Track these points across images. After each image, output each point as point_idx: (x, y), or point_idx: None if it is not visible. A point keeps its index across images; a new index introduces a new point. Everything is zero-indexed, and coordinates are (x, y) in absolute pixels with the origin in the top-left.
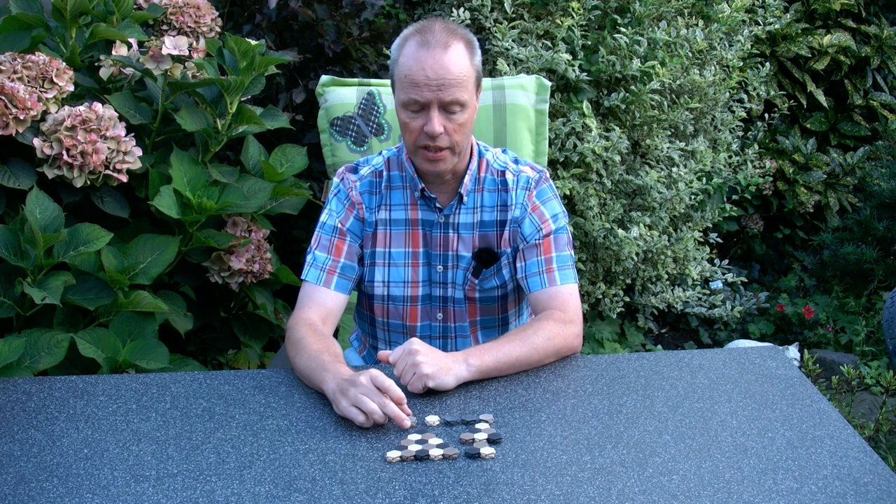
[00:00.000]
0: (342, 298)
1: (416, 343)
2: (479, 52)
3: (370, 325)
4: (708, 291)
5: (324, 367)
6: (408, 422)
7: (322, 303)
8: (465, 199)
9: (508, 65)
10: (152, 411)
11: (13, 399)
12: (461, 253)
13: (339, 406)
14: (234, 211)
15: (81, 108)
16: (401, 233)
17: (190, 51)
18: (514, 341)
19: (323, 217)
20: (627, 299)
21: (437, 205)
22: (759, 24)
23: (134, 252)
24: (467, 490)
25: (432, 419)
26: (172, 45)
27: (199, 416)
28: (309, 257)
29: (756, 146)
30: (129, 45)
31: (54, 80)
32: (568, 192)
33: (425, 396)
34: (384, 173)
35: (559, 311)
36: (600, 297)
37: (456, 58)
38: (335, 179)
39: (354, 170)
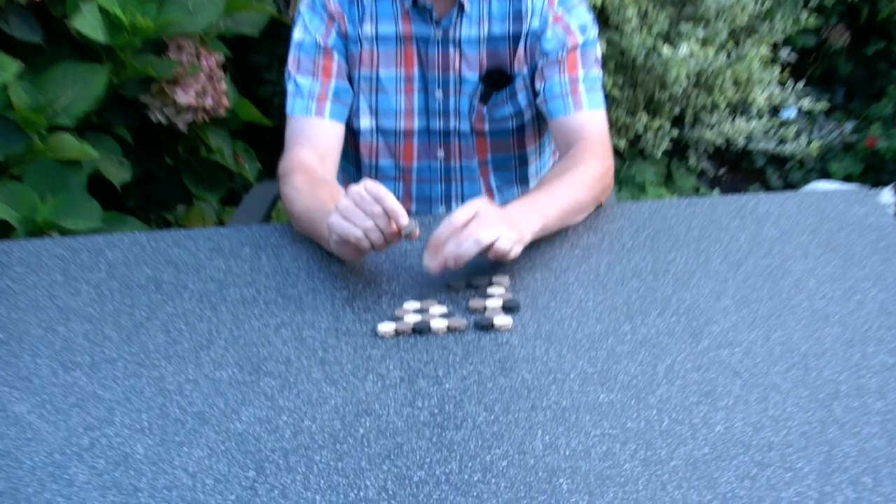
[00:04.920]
0: (339, 129)
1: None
2: None
3: (355, 169)
4: (778, 122)
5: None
6: (404, 219)
7: (317, 137)
8: (466, 7)
9: None
10: (83, 283)
11: None
12: (465, 75)
13: (332, 228)
14: (178, 31)
15: None
16: (390, 51)
17: None
18: (561, 187)
19: (297, 35)
20: (675, 133)
21: (434, 16)
22: None
23: (51, 86)
24: (478, 369)
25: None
26: None
27: (142, 287)
28: (290, 87)
29: None
30: None
31: None
32: (598, 1)
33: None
34: None
35: (595, 144)
36: (642, 131)
37: None
38: None
39: None
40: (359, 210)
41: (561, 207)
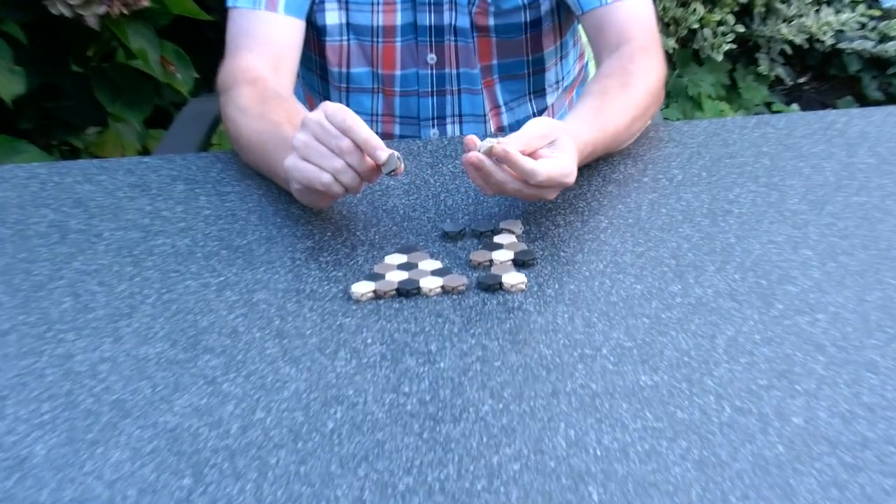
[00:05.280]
0: (299, 27)
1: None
2: None
3: (321, 80)
4: (877, 13)
5: (286, 141)
6: (383, 152)
7: (269, 38)
8: None
9: None
10: None
11: None
12: None
13: (290, 173)
14: None
15: None
16: None
17: None
18: (616, 104)
19: None
20: (742, 29)
21: None
22: None
23: None
24: (482, 342)
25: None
26: None
27: (42, 236)
28: None
29: None
30: None
31: None
32: None
33: (410, 193)
34: None
35: (647, 44)
36: (696, 27)
37: None
38: None
39: None
40: (322, 146)
41: (616, 133)
